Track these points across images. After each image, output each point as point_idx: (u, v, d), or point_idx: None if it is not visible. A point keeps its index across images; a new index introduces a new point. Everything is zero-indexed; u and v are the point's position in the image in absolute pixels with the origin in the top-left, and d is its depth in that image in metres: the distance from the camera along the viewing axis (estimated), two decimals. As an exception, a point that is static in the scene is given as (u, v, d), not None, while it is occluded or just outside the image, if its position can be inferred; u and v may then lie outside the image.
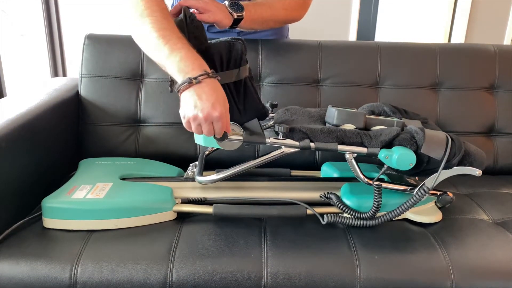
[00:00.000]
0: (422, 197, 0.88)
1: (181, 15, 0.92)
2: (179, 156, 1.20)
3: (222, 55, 0.89)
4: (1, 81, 1.74)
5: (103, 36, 1.24)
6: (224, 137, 0.85)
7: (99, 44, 1.22)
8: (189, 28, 0.91)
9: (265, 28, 1.22)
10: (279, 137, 0.89)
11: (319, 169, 1.17)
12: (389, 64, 1.25)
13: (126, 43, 1.23)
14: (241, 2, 1.09)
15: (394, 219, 0.91)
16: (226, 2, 1.07)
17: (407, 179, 1.04)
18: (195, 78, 0.79)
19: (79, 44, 1.23)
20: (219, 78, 0.82)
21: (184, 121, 0.83)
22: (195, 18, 0.93)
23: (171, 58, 0.82)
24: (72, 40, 2.23)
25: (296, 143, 0.89)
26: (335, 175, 1.10)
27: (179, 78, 0.81)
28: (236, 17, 1.07)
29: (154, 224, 0.92)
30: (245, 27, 1.14)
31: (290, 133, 0.90)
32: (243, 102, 0.93)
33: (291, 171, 1.15)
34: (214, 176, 0.94)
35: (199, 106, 0.79)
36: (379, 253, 0.85)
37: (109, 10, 2.54)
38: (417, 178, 1.06)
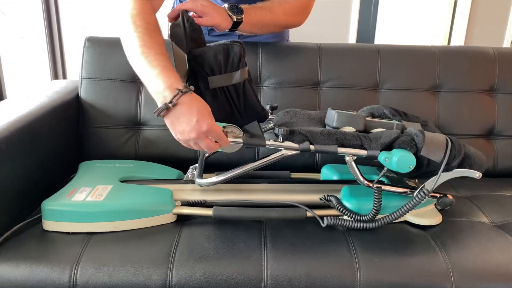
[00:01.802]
0: (422, 200, 0.88)
1: (179, 19, 0.92)
2: (179, 159, 1.20)
3: (221, 58, 0.89)
4: (1, 83, 1.74)
5: (103, 39, 1.24)
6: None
7: (99, 47, 1.23)
8: (187, 32, 0.91)
9: (265, 33, 1.22)
10: (279, 140, 0.89)
11: (319, 172, 1.17)
12: (389, 67, 1.25)
13: (126, 46, 1.23)
14: (241, 6, 1.09)
15: (394, 221, 0.91)
16: (226, 5, 1.07)
17: (407, 182, 1.04)
18: (170, 102, 0.79)
19: (79, 47, 1.23)
20: (193, 88, 0.82)
21: (182, 144, 0.84)
22: (193, 21, 0.94)
23: (147, 76, 0.82)
24: (72, 43, 2.24)
25: (296, 145, 0.89)
26: (335, 177, 1.10)
27: (156, 99, 0.82)
28: (235, 20, 1.07)
29: (154, 226, 0.92)
30: (244, 31, 1.14)
31: (290, 136, 0.90)
32: (242, 105, 0.93)
33: (291, 173, 1.15)
34: (214, 178, 0.94)
35: (186, 128, 0.80)
36: (379, 255, 0.85)
37: (109, 13, 2.55)
38: (417, 180, 1.06)
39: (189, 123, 0.80)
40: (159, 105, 0.81)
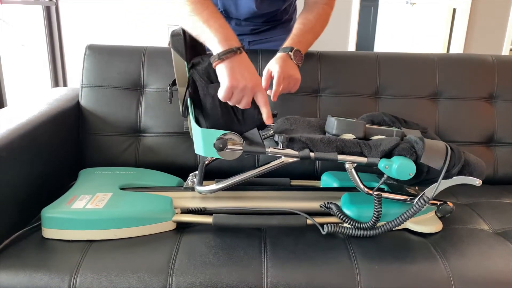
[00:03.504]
0: (422, 207, 0.88)
1: (179, 27, 0.92)
2: (179, 166, 1.20)
3: None
4: (2, 90, 1.75)
5: (104, 47, 1.25)
6: (223, 146, 0.86)
7: (99, 55, 1.23)
8: (187, 40, 0.91)
9: None
10: (279, 147, 0.90)
11: (319, 179, 1.16)
12: (388, 74, 1.26)
13: (127, 54, 1.23)
14: (288, 43, 1.12)
15: (394, 229, 0.91)
16: (292, 54, 1.10)
17: (407, 189, 1.04)
18: (239, 49, 0.81)
19: (80, 54, 1.24)
20: None
21: (226, 91, 0.83)
22: None
23: (210, 23, 0.84)
24: (73, 50, 2.25)
25: (296, 152, 0.89)
26: (335, 184, 1.10)
27: (219, 45, 0.82)
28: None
29: (154, 234, 0.91)
30: None
31: (290, 143, 0.90)
32: (242, 112, 0.93)
33: (291, 180, 1.15)
34: (214, 186, 0.94)
35: (246, 76, 0.82)
36: (379, 263, 0.84)
37: (110, 21, 2.56)
38: (417, 187, 1.06)
39: (250, 71, 0.83)
40: (218, 51, 0.82)
